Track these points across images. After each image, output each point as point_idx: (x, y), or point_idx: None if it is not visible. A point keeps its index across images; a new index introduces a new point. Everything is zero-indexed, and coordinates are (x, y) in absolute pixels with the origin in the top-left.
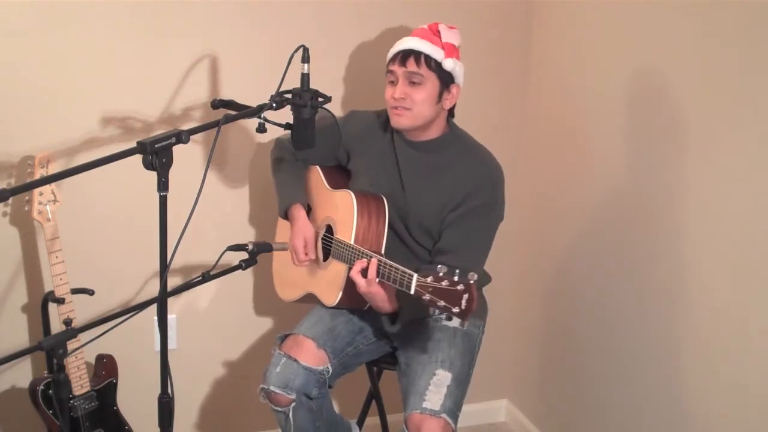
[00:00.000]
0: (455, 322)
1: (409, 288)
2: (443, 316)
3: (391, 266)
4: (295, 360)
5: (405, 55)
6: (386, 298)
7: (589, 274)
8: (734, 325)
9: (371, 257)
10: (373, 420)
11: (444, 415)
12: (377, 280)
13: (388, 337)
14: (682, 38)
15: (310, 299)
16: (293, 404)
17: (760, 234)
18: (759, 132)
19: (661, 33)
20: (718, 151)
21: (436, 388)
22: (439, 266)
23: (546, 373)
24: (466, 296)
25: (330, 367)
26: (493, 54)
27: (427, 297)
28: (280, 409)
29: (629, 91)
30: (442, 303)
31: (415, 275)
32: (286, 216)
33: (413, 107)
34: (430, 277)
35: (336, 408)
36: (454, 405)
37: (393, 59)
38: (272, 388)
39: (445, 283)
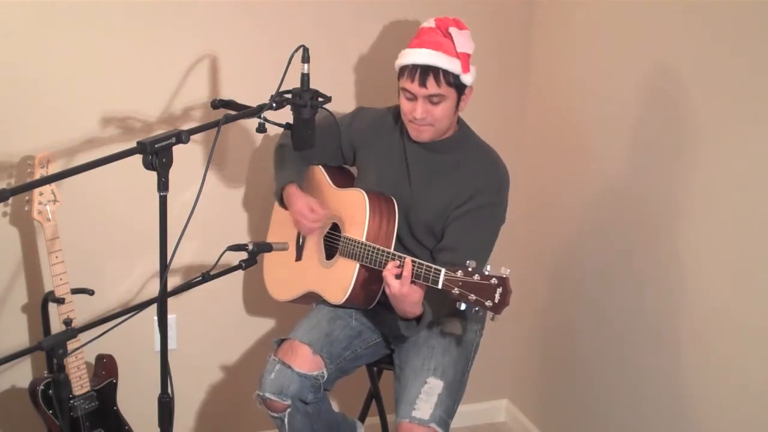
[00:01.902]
0: (452, 326)
1: (436, 283)
2: (465, 308)
3: (413, 261)
4: (289, 366)
5: (423, 74)
6: (418, 299)
7: (590, 274)
8: (734, 325)
9: (403, 257)
10: (373, 420)
11: (433, 425)
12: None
13: (387, 340)
14: (684, 37)
15: (308, 299)
16: (289, 410)
17: (761, 234)
18: (760, 132)
19: (662, 32)
20: (718, 150)
21: (427, 397)
22: (468, 261)
23: (546, 373)
24: (500, 290)
25: (325, 372)
26: (493, 54)
27: (456, 291)
28: (276, 415)
29: (630, 90)
30: (473, 297)
31: (443, 269)
32: (282, 200)
33: (435, 123)
34: (460, 271)
35: (336, 408)
36: (444, 413)
37: (410, 76)
38: (267, 394)
39: (476, 277)
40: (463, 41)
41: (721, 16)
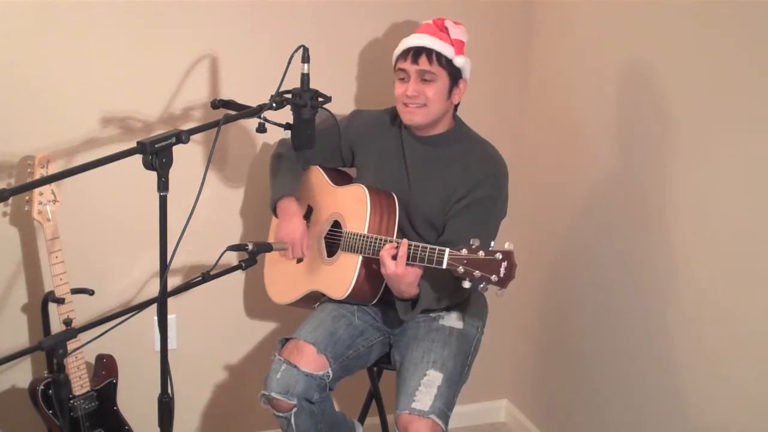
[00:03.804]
0: (453, 321)
1: (441, 263)
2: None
3: (417, 245)
4: (296, 366)
5: (416, 53)
6: (413, 280)
7: (589, 273)
8: (734, 323)
9: (399, 241)
10: (373, 420)
11: (433, 416)
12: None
13: (388, 336)
14: (681, 37)
15: (308, 300)
16: (294, 409)
17: (757, 229)
18: (755, 128)
19: (660, 32)
20: (716, 147)
21: (427, 389)
22: (471, 240)
23: (546, 373)
24: (505, 263)
25: (331, 372)
26: (493, 54)
27: (461, 269)
28: (281, 414)
29: (629, 89)
30: (478, 273)
31: (447, 249)
32: (275, 211)
33: (427, 103)
34: (464, 249)
35: (336, 408)
36: (444, 405)
37: (404, 56)
38: (273, 394)
39: (481, 254)
40: (457, 31)
41: (719, 15)
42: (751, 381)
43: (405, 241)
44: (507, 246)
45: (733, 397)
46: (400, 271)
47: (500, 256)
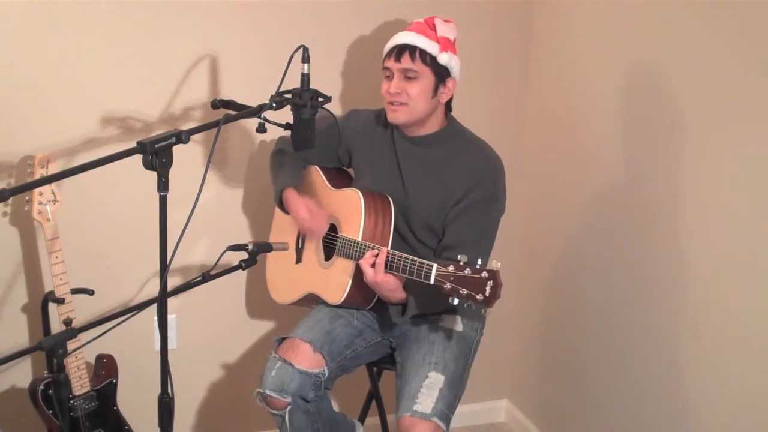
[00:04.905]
0: (453, 323)
1: (428, 278)
2: (461, 304)
3: (407, 258)
4: (290, 364)
5: (400, 51)
6: (395, 287)
7: (589, 273)
8: (734, 324)
9: (381, 248)
10: (373, 420)
11: (435, 419)
12: (386, 271)
13: (388, 338)
14: (682, 37)
15: (308, 300)
16: (289, 407)
17: (760, 232)
18: (759, 130)
19: (661, 32)
20: (717, 149)
21: (428, 391)
22: (459, 256)
23: (546, 373)
24: (490, 283)
25: (326, 371)
26: (493, 54)
27: (448, 286)
28: (276, 412)
29: (629, 90)
30: (464, 291)
31: (435, 265)
32: (281, 203)
33: (409, 102)
34: (451, 266)
35: (336, 408)
36: (446, 408)
37: (388, 54)
38: (268, 391)
39: (467, 272)
40: (444, 29)
41: (720, 16)
42: (751, 382)
43: (384, 249)
44: (494, 265)
45: (733, 399)
46: (379, 279)
47: (486, 275)
